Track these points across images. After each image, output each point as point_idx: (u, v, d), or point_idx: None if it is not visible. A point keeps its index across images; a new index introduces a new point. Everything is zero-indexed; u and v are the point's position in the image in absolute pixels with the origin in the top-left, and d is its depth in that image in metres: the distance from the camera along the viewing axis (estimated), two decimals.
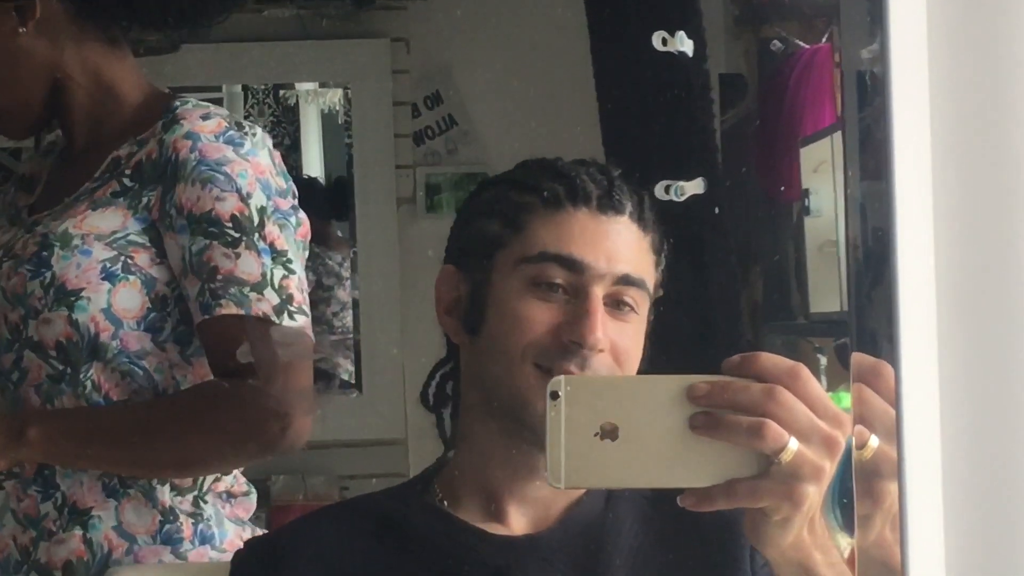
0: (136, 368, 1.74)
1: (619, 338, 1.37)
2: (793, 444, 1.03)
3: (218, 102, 4.68)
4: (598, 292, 1.36)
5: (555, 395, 1.02)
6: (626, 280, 1.38)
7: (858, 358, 0.71)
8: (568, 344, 1.35)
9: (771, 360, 1.05)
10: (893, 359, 0.65)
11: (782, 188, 3.02)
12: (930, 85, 0.64)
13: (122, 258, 1.72)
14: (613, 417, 1.02)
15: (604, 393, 1.03)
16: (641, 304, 1.40)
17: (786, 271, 3.08)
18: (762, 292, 3.17)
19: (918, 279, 0.65)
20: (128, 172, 1.75)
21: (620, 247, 1.39)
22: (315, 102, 4.69)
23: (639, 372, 1.41)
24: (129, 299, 1.72)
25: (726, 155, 3.00)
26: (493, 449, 1.41)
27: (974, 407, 0.64)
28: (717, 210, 2.13)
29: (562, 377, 1.03)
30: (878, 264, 0.67)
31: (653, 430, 1.02)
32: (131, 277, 1.72)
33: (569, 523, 1.41)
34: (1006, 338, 0.64)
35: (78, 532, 1.73)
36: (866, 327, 0.71)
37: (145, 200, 1.73)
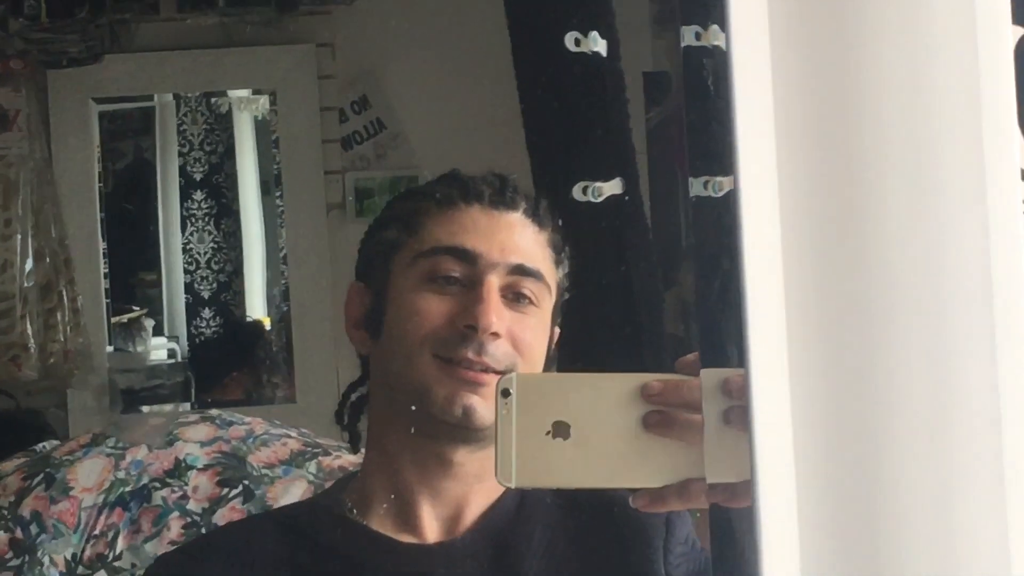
0: None
1: (517, 328, 1.37)
2: None
3: (150, 111, 4.65)
4: (493, 280, 1.36)
5: (506, 392, 0.99)
6: (521, 270, 1.38)
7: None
8: (463, 330, 1.34)
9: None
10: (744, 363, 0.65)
11: None
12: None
13: None
14: (565, 415, 0.99)
15: (556, 391, 1.01)
16: (541, 298, 1.39)
17: None
18: (692, 288, 3.16)
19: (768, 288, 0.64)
20: None
21: (513, 238, 1.39)
22: (248, 109, 4.67)
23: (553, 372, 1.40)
24: None
25: (652, 153, 3.00)
26: (402, 448, 1.40)
27: None
28: (627, 198, 2.10)
29: (514, 375, 1.00)
30: None
31: (606, 429, 1.00)
32: None
33: (482, 529, 1.39)
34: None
35: None
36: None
37: None
